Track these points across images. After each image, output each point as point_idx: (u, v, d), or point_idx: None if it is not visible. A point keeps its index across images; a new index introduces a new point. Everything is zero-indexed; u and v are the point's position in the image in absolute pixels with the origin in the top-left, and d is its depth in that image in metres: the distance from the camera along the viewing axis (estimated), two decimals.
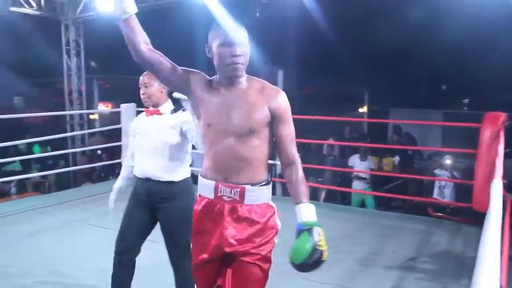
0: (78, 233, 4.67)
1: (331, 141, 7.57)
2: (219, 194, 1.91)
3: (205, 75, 1.98)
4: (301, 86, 12.80)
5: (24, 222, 4.98)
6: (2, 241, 4.40)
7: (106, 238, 4.47)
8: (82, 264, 3.77)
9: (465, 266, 3.71)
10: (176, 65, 1.94)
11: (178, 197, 2.68)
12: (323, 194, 7.23)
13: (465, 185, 5.77)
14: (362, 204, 7.00)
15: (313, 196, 7.29)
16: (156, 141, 2.67)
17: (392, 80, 13.59)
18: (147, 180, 2.70)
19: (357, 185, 7.12)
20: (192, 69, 1.99)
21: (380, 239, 4.55)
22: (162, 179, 2.66)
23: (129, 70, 12.32)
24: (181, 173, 2.71)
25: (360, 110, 15.64)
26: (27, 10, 8.52)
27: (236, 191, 1.89)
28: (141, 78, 2.72)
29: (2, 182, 6.76)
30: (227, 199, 1.90)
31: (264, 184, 1.94)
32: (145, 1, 8.09)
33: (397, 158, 8.25)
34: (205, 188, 1.96)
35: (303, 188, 1.94)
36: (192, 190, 2.67)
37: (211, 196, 1.93)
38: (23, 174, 7.83)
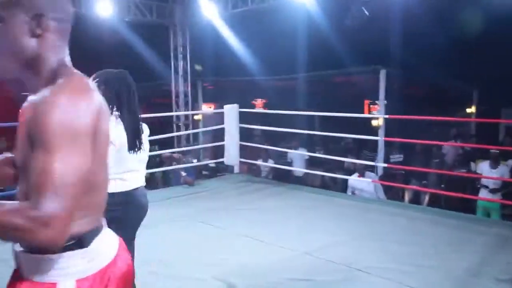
0: (185, 228, 4.89)
1: (452, 143, 7.11)
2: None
3: None
4: (405, 86, 12.30)
5: None
6: None
7: (211, 234, 4.67)
8: (191, 257, 3.96)
9: None
10: None
11: None
12: (426, 198, 6.91)
13: None
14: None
15: (416, 199, 7.00)
16: None
17: (504, 77, 12.53)
18: None
19: (485, 196, 6.12)
20: None
21: (491, 249, 4.21)
22: None
23: (232, 73, 12.72)
24: None
25: (468, 110, 14.63)
26: (139, 18, 9.14)
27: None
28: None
29: None
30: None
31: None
32: (246, 4, 8.29)
33: (510, 163, 7.60)
34: None
35: None
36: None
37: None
38: None
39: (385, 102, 8.50)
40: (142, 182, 2.78)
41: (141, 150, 2.62)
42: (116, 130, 2.46)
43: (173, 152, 7.66)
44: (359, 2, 7.89)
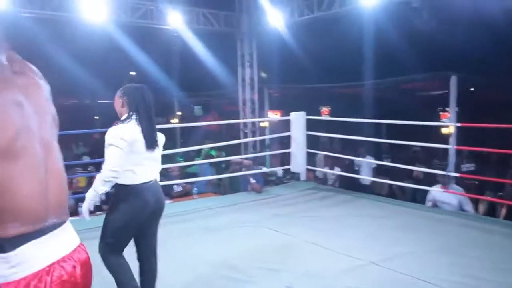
0: (252, 234, 4.99)
1: None
2: None
3: None
4: (477, 91, 11.80)
5: (203, 219, 5.52)
6: (184, 233, 4.95)
7: (278, 240, 4.74)
8: (255, 262, 4.04)
9: None
10: None
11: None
12: (503, 211, 6.57)
13: None
14: None
15: (491, 212, 6.70)
16: None
17: None
18: None
19: None
20: None
21: None
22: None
23: (298, 80, 12.75)
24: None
25: None
26: (208, 27, 9.43)
27: None
28: None
29: (186, 183, 7.56)
30: None
31: None
32: (312, 11, 8.33)
33: None
34: None
35: None
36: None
37: None
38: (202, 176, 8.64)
39: (457, 109, 8.21)
40: (153, 178, 3.02)
41: (155, 148, 2.98)
42: (132, 130, 2.89)
43: (245, 158, 7.83)
44: (427, 6, 7.70)
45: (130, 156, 2.86)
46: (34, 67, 1.63)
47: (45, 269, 1.36)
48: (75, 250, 1.51)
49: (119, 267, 2.91)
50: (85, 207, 2.89)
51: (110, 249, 2.90)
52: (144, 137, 2.92)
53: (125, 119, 2.96)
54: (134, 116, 2.95)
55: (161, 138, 3.13)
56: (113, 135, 2.85)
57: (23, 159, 1.34)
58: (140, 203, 2.90)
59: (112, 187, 2.90)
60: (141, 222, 2.95)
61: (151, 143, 2.95)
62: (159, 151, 3.09)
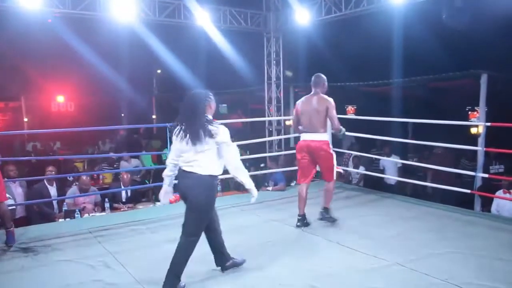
0: (276, 233, 5.00)
1: None
2: None
3: None
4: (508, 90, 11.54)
5: (229, 217, 5.55)
6: None
7: (302, 239, 4.74)
8: (281, 262, 4.06)
9: None
10: None
11: None
12: None
13: None
14: None
15: None
16: None
17: None
18: None
19: None
20: None
21: None
22: None
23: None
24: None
25: None
26: (234, 26, 9.46)
27: None
28: None
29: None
30: None
31: None
32: (340, 10, 8.27)
33: None
34: None
35: None
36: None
37: None
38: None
39: (486, 108, 8.04)
40: (192, 168, 3.46)
41: (197, 144, 3.40)
42: (179, 132, 3.49)
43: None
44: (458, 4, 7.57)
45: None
46: None
47: None
48: None
49: None
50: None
51: None
52: None
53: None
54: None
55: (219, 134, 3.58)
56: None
57: None
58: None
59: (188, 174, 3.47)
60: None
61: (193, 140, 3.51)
62: None
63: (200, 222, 3.53)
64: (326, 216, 5.25)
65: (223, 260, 3.84)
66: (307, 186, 5.24)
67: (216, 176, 3.53)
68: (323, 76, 5.35)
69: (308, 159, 5.17)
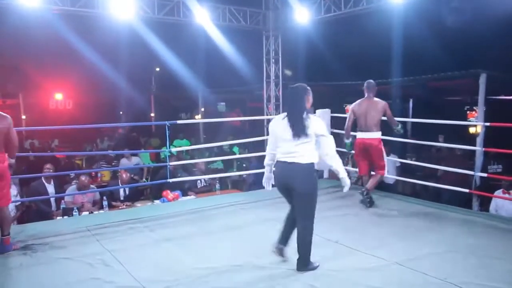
0: (271, 230, 4.99)
1: None
2: None
3: None
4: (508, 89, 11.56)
5: (228, 215, 5.54)
6: (211, 230, 4.99)
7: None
8: (277, 259, 4.05)
9: None
10: None
11: None
12: None
13: None
14: None
15: None
16: None
17: None
18: None
19: None
20: None
21: None
22: None
23: (322, 77, 12.68)
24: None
25: None
26: (233, 24, 9.45)
27: None
28: None
29: (209, 178, 7.62)
30: None
31: None
32: (339, 8, 8.27)
33: None
34: None
35: None
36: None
37: None
38: (224, 172, 8.68)
39: (484, 108, 8.04)
40: (294, 159, 3.68)
41: (298, 138, 3.64)
42: (280, 124, 3.74)
43: None
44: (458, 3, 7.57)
45: None
46: None
47: None
48: None
49: None
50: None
51: None
52: None
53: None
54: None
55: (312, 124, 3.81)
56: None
57: None
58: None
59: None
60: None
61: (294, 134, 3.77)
62: None
63: (311, 206, 3.78)
64: (366, 197, 5.81)
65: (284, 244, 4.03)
66: (366, 177, 6.09)
67: (314, 164, 3.74)
68: (373, 81, 5.95)
69: (362, 155, 5.97)
